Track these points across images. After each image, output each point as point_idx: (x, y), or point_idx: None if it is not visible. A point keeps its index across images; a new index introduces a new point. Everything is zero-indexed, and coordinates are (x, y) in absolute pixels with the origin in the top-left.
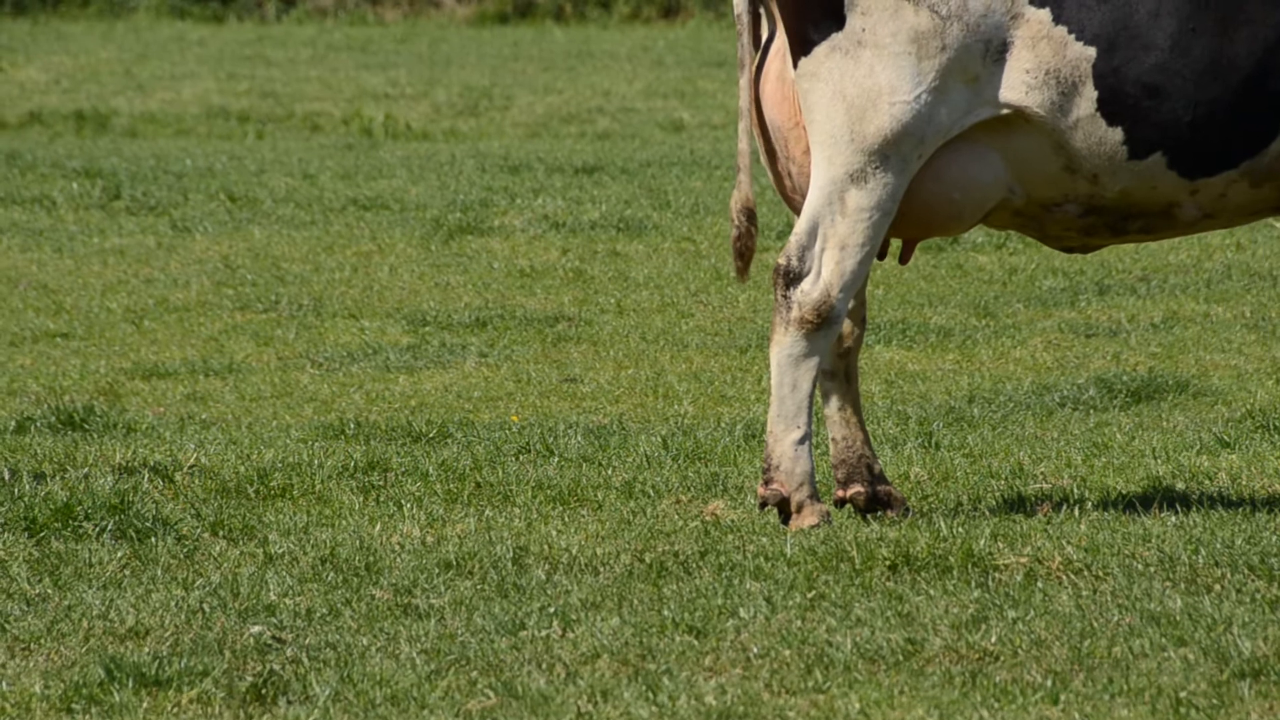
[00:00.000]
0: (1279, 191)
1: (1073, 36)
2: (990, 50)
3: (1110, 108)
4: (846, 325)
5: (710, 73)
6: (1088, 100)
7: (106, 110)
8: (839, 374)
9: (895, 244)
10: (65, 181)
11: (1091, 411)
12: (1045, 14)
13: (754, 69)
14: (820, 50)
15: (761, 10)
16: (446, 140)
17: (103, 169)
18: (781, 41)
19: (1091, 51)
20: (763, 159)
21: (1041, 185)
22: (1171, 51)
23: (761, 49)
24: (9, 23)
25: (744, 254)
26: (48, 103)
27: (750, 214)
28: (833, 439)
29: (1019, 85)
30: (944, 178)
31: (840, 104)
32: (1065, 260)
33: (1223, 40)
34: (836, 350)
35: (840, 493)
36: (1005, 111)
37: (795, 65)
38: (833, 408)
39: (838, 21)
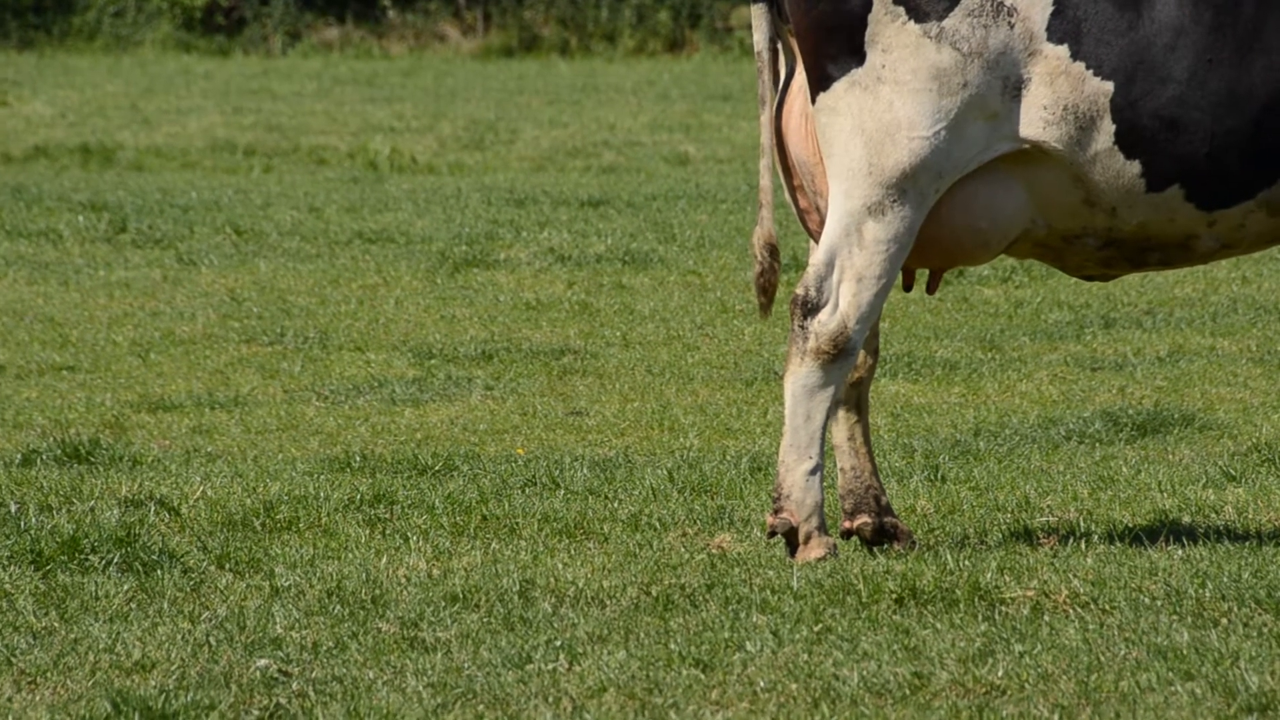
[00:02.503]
0: None
1: (1090, 72)
2: (1009, 86)
3: (1128, 141)
4: (859, 355)
5: (715, 106)
6: (1106, 134)
7: (112, 144)
8: (850, 404)
9: (922, 274)
10: (71, 215)
11: (1097, 445)
12: (1063, 50)
13: (775, 105)
14: (840, 85)
15: (780, 47)
16: (452, 173)
17: (109, 202)
18: (802, 78)
19: (1109, 86)
20: (786, 195)
21: (1062, 217)
22: (1189, 84)
23: (782, 85)
24: (15, 56)
25: (767, 290)
26: (54, 136)
27: (773, 250)
28: (841, 469)
29: (1037, 121)
30: (971, 208)
31: (859, 138)
32: (1071, 294)
33: (1239, 71)
34: (849, 380)
35: (847, 524)
36: (1024, 146)
37: (814, 100)
38: (842, 437)
39: (858, 58)
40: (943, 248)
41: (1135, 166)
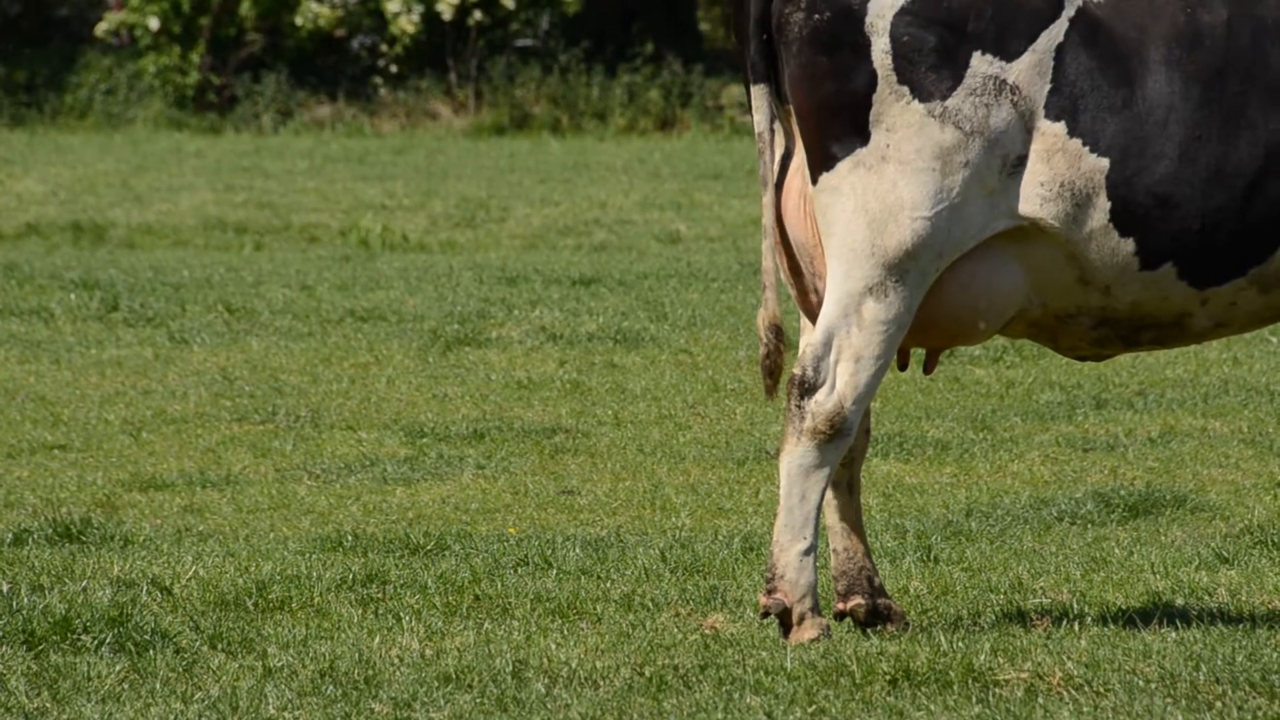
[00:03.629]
0: None
1: (1087, 149)
2: (1008, 164)
3: (1122, 219)
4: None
5: (706, 185)
6: (1101, 211)
7: (104, 221)
8: (842, 485)
9: (918, 353)
10: (63, 293)
11: (1090, 526)
12: (1060, 127)
13: (775, 187)
14: (843, 165)
15: (778, 127)
16: (444, 251)
17: (100, 280)
18: (801, 159)
19: (1105, 163)
20: (784, 276)
21: (1057, 296)
22: (1180, 160)
23: (780, 166)
24: (6, 134)
25: (773, 371)
26: (45, 214)
27: (778, 331)
28: (834, 550)
29: (1034, 197)
30: (970, 287)
31: (862, 218)
32: (1062, 374)
33: (1227, 147)
34: (842, 461)
35: (840, 605)
36: (1021, 223)
37: (815, 180)
38: (834, 518)
39: (862, 137)
40: (941, 328)
41: (1129, 244)
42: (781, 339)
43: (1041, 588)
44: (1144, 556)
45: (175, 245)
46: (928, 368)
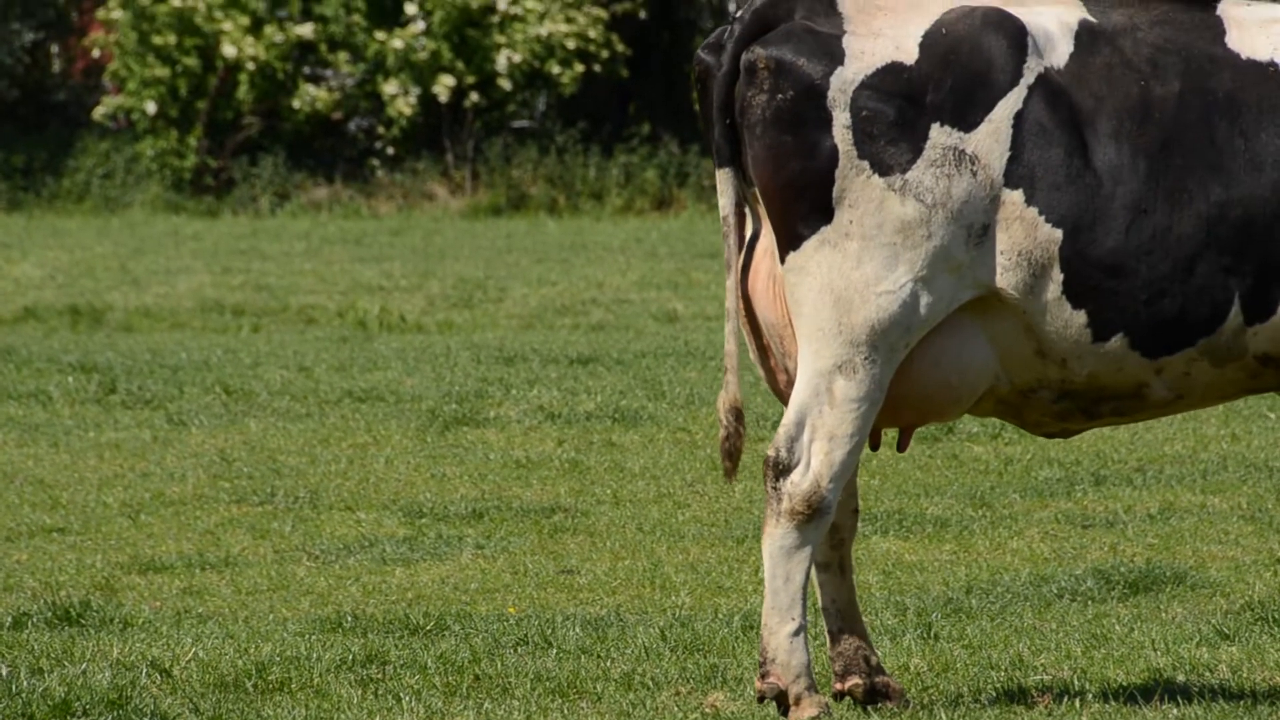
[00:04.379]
0: (1245, 373)
1: (1043, 218)
2: (972, 235)
3: (1074, 289)
4: (840, 516)
5: (703, 264)
6: (1055, 282)
7: (102, 305)
8: (833, 566)
9: (890, 433)
10: (61, 376)
11: (1090, 602)
12: (1019, 195)
13: (739, 270)
14: (809, 245)
15: (747, 210)
16: (441, 332)
17: (98, 363)
18: (770, 240)
19: (1059, 233)
20: (753, 356)
21: (1019, 370)
22: (1127, 232)
23: (746, 248)
24: (4, 218)
25: (732, 454)
26: (43, 298)
27: (738, 414)
28: (829, 631)
29: (995, 267)
30: (942, 364)
31: (828, 296)
32: (1061, 450)
33: (1170, 218)
34: (830, 542)
35: (839, 685)
36: (984, 292)
37: (783, 260)
38: (827, 600)
39: (826, 215)
40: (913, 405)
41: (1081, 315)
42: (741, 422)
43: (1042, 665)
44: (1145, 633)
45: (173, 328)
46: (901, 445)
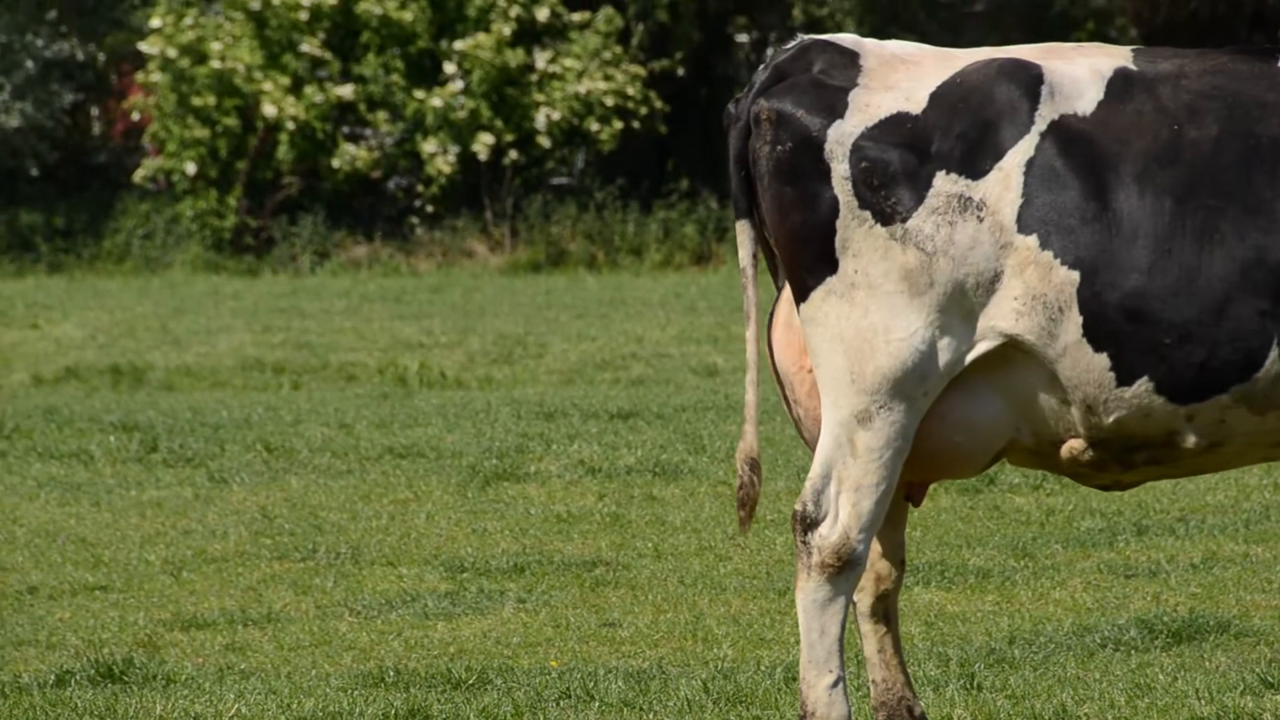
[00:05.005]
0: None
1: (1058, 261)
2: (982, 281)
3: (1095, 332)
4: (885, 567)
5: (742, 318)
6: (1074, 325)
7: (142, 364)
8: (878, 616)
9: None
10: (102, 435)
11: (1133, 652)
12: (1032, 240)
13: (759, 321)
14: (817, 295)
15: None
16: (481, 388)
17: (139, 422)
18: (788, 289)
19: (1076, 276)
20: (784, 404)
21: (1043, 421)
22: (1149, 274)
23: (776, 297)
24: (46, 280)
25: (746, 504)
26: (84, 358)
27: (754, 465)
28: (873, 681)
29: (1010, 313)
30: (947, 421)
31: (839, 346)
32: (1102, 501)
33: (1199, 261)
34: (875, 592)
35: None
36: (1001, 342)
37: (799, 311)
38: (872, 649)
39: (831, 266)
40: (923, 461)
41: (1103, 359)
42: (757, 472)
43: (1086, 714)
44: (1188, 682)
45: (214, 386)
46: (915, 501)
